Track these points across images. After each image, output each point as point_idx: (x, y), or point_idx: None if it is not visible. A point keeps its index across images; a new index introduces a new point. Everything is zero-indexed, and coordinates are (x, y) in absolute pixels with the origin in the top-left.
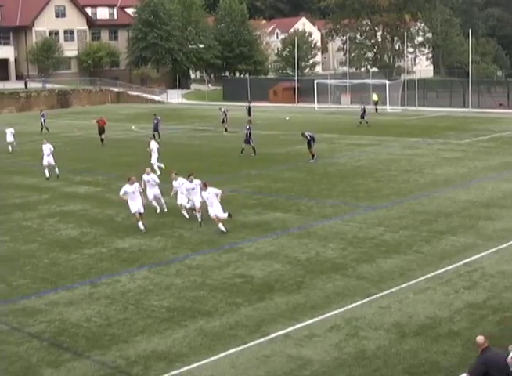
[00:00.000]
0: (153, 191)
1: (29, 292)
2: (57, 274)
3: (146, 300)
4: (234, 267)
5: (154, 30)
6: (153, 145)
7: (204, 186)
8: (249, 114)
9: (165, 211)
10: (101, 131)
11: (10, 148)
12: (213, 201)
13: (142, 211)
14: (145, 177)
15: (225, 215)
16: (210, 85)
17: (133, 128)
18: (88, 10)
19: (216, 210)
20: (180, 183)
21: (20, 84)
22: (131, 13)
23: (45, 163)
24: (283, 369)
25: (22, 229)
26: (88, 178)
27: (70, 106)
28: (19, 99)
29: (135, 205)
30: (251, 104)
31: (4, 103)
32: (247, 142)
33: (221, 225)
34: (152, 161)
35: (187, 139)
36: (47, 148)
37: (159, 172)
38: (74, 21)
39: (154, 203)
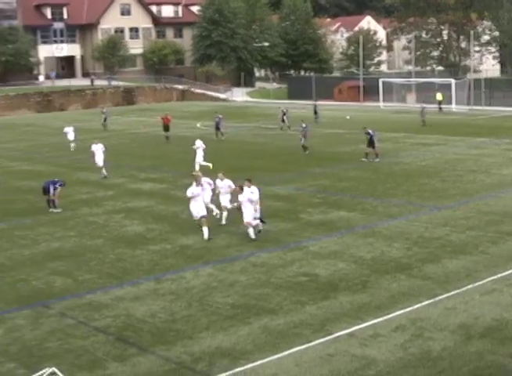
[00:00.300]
0: (226, 198)
1: (95, 287)
2: (123, 270)
3: (211, 297)
4: (299, 265)
5: (219, 28)
6: (199, 143)
7: (240, 189)
8: (315, 113)
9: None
10: (166, 128)
11: (72, 146)
12: (246, 205)
13: (203, 213)
14: (218, 183)
15: (256, 222)
16: (275, 83)
17: (198, 125)
18: (153, 8)
19: (246, 214)
20: (225, 184)
21: (86, 82)
22: (195, 11)
23: (99, 164)
24: (347, 368)
25: (88, 225)
26: (153, 175)
27: (136, 104)
28: (85, 95)
29: (196, 208)
30: (317, 102)
31: (70, 99)
32: (302, 140)
33: (251, 231)
34: (197, 160)
35: (251, 137)
36: (99, 148)
37: (196, 171)
38: (139, 19)
39: (226, 213)
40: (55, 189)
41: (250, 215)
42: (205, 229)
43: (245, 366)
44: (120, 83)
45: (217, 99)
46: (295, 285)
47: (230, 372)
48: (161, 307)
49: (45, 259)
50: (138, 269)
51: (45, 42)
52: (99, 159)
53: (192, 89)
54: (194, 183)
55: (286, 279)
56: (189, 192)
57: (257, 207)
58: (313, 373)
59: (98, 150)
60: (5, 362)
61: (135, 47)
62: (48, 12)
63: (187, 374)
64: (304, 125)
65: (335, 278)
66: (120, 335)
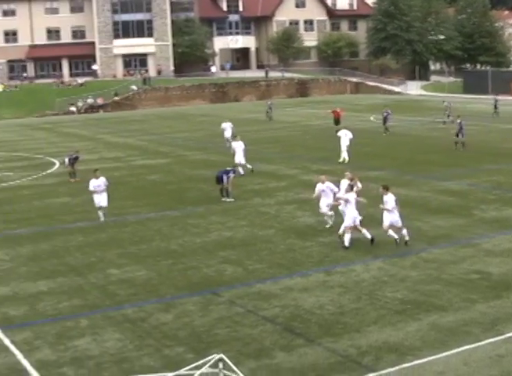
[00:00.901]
0: (326, 201)
1: (265, 276)
2: (293, 260)
3: (380, 291)
4: (470, 263)
5: (394, 21)
6: (343, 133)
7: (385, 190)
8: (495, 107)
9: (327, 225)
10: (336, 122)
11: (228, 144)
12: (348, 207)
13: (357, 222)
14: (319, 186)
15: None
16: (451, 77)
17: (371, 118)
18: (328, 0)
19: (347, 218)
20: (326, 187)
21: (260, 73)
22: (370, 4)
23: (236, 160)
24: None
25: (260, 215)
26: (325, 167)
27: (309, 96)
28: (259, 87)
29: (353, 215)
30: (498, 97)
31: (245, 91)
32: (458, 135)
33: (347, 237)
34: (342, 149)
35: (426, 131)
36: (238, 145)
37: (341, 159)
38: (314, 11)
39: (327, 218)
40: (228, 177)
41: (351, 219)
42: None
43: (412, 363)
44: (294, 75)
45: (391, 92)
46: (466, 282)
47: (397, 367)
48: (330, 299)
49: (216, 248)
50: (308, 260)
51: (220, 34)
52: (239, 156)
53: (366, 82)
54: (349, 187)
55: (457, 276)
56: (344, 196)
57: (396, 213)
58: (482, 373)
59: (238, 148)
60: (175, 346)
61: (310, 39)
62: (224, 5)
63: (353, 367)
64: (458, 121)
65: (508, 277)
66: (288, 325)
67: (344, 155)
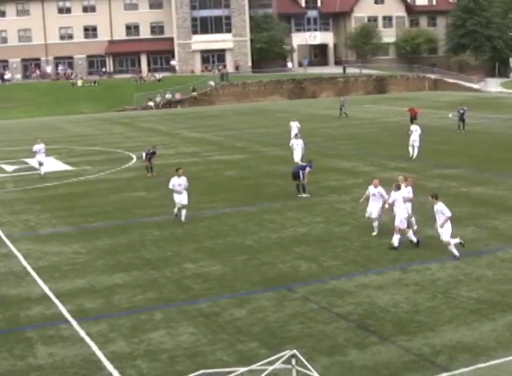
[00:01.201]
0: (376, 206)
1: (339, 273)
2: (368, 257)
3: (456, 290)
4: None
5: (474, 17)
6: (414, 128)
7: (435, 199)
8: None
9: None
10: (412, 120)
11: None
12: (398, 207)
13: (405, 224)
14: (371, 189)
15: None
16: None
17: (450, 116)
18: None
19: (397, 217)
20: (378, 192)
21: (338, 69)
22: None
23: (296, 159)
24: None
25: (335, 212)
26: (402, 164)
27: (387, 92)
28: (337, 83)
29: (400, 216)
30: None
31: (322, 87)
32: None
33: (395, 237)
34: (412, 145)
35: (504, 128)
36: (299, 143)
37: (414, 156)
38: (393, 7)
39: (376, 223)
40: (303, 173)
41: (401, 219)
42: (396, 237)
43: (487, 363)
44: (372, 71)
45: (470, 89)
46: None
47: (471, 368)
48: (405, 297)
49: (291, 244)
50: (384, 258)
51: (298, 30)
52: (297, 154)
53: (445, 79)
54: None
55: None
56: (390, 198)
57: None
58: None
59: (298, 145)
60: (248, 341)
61: (388, 35)
62: (302, 1)
63: (426, 366)
64: None
65: None
66: (362, 323)
67: (410, 150)
